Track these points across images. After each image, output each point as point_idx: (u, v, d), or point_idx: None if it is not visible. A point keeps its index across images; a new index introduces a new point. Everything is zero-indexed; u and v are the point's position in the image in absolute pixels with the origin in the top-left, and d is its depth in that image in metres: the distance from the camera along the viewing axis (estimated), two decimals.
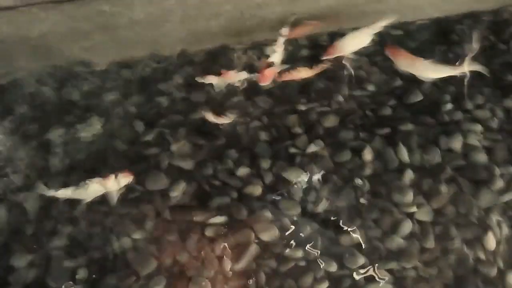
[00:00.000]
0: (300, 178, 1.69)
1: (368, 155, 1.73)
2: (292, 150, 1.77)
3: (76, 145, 1.83)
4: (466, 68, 1.61)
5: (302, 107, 1.90)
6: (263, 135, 1.82)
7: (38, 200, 1.66)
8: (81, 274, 1.51)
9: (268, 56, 1.87)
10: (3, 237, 1.59)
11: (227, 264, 1.52)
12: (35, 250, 1.57)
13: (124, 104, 1.95)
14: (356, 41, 1.86)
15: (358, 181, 1.67)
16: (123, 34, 2.05)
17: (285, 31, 1.91)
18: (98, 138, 1.85)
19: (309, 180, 1.69)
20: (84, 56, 2.05)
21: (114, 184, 1.57)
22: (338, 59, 1.85)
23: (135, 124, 1.87)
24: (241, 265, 1.52)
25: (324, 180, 1.69)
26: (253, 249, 1.54)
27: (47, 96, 1.98)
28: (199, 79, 1.91)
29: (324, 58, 1.86)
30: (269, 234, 1.57)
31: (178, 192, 1.67)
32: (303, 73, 1.90)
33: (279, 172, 1.71)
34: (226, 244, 1.56)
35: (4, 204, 1.66)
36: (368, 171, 1.71)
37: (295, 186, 1.68)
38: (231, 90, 1.93)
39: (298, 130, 1.83)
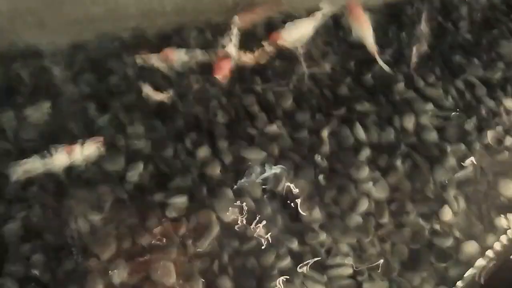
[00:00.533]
0: (259, 158, 1.70)
1: (325, 133, 1.76)
2: (251, 130, 1.77)
3: (26, 128, 1.76)
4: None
5: (259, 87, 1.90)
6: (221, 116, 1.81)
7: None
8: (38, 258, 1.47)
9: (223, 47, 1.84)
10: None
11: (189, 245, 1.50)
12: None
13: (75, 86, 1.88)
14: (298, 31, 1.92)
15: (318, 158, 1.70)
16: (71, 12, 1.97)
17: (237, 19, 1.89)
18: (48, 121, 1.78)
19: (268, 159, 1.70)
20: (30, 36, 1.95)
21: (82, 152, 1.59)
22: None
23: (88, 105, 1.82)
24: (203, 245, 1.51)
25: (283, 158, 1.71)
26: (215, 229, 1.53)
27: None
28: (138, 59, 1.89)
29: (268, 44, 1.91)
30: (230, 214, 1.56)
31: (136, 173, 1.64)
32: (246, 58, 1.91)
33: (238, 152, 1.71)
34: (187, 224, 1.55)
35: None
36: (325, 149, 1.73)
37: (254, 165, 1.68)
38: (187, 70, 1.91)
39: (255, 110, 1.83)
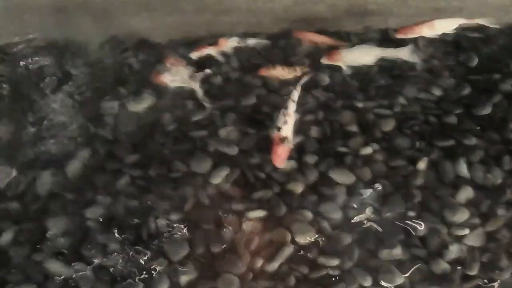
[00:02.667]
0: (347, 181, 1.61)
1: (423, 165, 1.62)
2: (343, 149, 1.68)
3: (126, 118, 1.82)
4: None
5: (360, 105, 1.80)
6: (315, 130, 1.74)
7: (81, 168, 1.68)
8: (113, 247, 1.50)
9: (278, 129, 1.63)
10: (43, 202, 1.61)
11: (259, 262, 1.46)
12: (72, 218, 1.57)
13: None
14: (361, 55, 1.86)
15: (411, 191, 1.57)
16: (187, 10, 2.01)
17: (296, 94, 1.73)
18: (148, 114, 1.83)
19: (357, 184, 1.60)
20: (144, 28, 2.01)
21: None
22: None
23: (187, 103, 1.84)
24: (273, 265, 1.46)
25: (373, 186, 1.60)
26: (288, 250, 1.47)
27: (104, 64, 1.97)
28: (194, 54, 1.94)
29: (324, 61, 1.88)
30: (306, 237, 1.49)
31: (220, 178, 1.63)
32: (282, 73, 1.86)
33: (325, 171, 1.63)
34: (261, 240, 1.50)
35: (49, 169, 1.67)
36: (421, 182, 1.60)
37: (341, 188, 1.60)
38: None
39: (352, 128, 1.74)
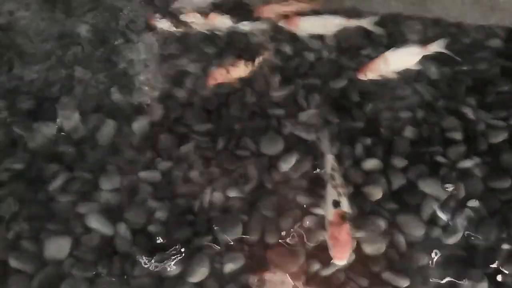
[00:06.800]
0: (437, 195, 1.36)
1: None
2: (439, 158, 1.44)
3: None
4: None
5: (470, 112, 1.54)
6: (409, 130, 1.51)
7: (147, 127, 1.56)
8: (160, 215, 1.36)
9: (336, 204, 1.27)
10: (102, 155, 1.52)
11: (315, 266, 1.25)
12: (125, 177, 1.45)
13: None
14: (320, 26, 1.78)
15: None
16: None
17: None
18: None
19: (448, 200, 1.35)
20: None
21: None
22: None
23: (272, 76, 1.68)
24: (327, 272, 1.24)
25: (467, 206, 1.34)
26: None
27: None
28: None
29: (282, 24, 1.78)
30: (374, 248, 1.27)
31: (289, 164, 1.44)
32: (238, 71, 1.67)
33: (413, 179, 1.40)
34: (320, 240, 1.29)
35: (115, 121, 1.58)
36: None
37: (429, 202, 1.35)
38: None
39: (455, 136, 1.48)
